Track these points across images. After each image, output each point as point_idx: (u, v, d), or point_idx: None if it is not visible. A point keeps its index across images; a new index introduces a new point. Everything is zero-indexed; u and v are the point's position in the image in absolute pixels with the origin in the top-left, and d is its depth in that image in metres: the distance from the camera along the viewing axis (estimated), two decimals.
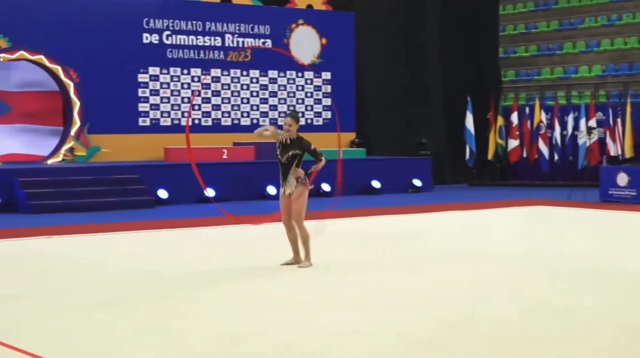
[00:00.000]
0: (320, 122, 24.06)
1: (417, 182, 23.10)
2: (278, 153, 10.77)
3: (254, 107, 23.07)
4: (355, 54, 24.62)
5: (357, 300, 8.64)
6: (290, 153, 10.65)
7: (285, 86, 23.48)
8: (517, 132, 25.78)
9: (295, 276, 10.16)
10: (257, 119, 23.06)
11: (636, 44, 30.02)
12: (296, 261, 10.86)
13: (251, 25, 22.99)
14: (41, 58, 20.02)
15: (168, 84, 21.91)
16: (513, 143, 25.90)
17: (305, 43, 23.79)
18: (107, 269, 10.71)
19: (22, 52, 19.81)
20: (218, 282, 9.75)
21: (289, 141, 10.68)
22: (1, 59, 19.01)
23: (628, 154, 24.60)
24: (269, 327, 7.51)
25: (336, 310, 8.15)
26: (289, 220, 10.75)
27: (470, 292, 9.02)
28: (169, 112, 21.95)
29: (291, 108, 23.37)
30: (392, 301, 8.61)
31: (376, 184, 22.36)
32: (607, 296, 8.87)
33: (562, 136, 25.75)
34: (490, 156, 26.08)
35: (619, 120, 24.75)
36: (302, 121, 23.58)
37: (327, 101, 24.11)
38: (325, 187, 20.86)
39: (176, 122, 22.01)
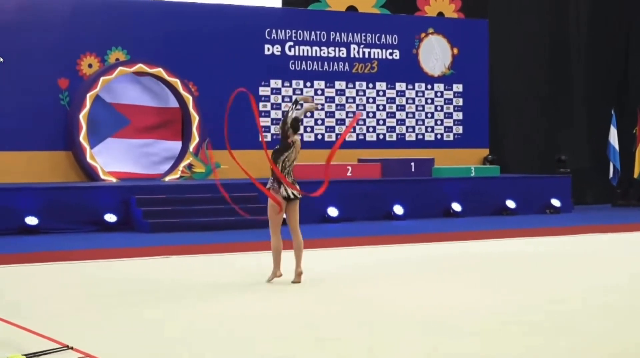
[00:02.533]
0: (451, 138, 23.93)
1: (555, 202, 22.72)
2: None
3: (380, 122, 23.13)
4: (489, 64, 24.43)
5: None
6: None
7: (413, 99, 23.48)
8: None
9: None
10: (384, 134, 23.11)
11: None
12: (275, 274, 11.35)
13: (378, 35, 23.09)
14: (160, 71, 20.51)
15: (290, 97, 22.15)
16: None
17: (435, 53, 23.75)
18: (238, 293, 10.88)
19: (140, 64, 20.34)
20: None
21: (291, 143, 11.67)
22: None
23: None
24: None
25: None
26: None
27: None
28: None
29: (420, 122, 23.37)
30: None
31: (511, 204, 22.08)
32: None
33: None
34: (636, 174, 25.45)
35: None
36: (431, 136, 23.57)
37: (459, 115, 24.00)
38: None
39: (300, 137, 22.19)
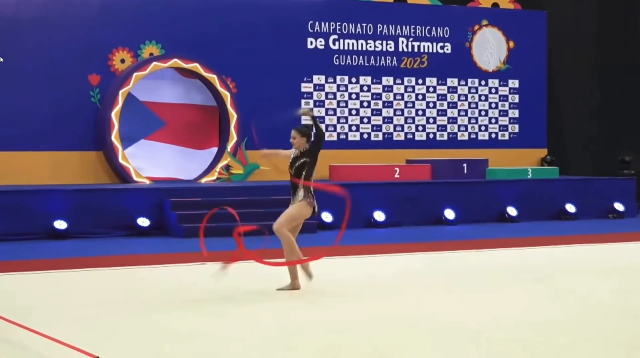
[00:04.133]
0: (506, 137, 23.54)
1: (618, 206, 22.26)
2: (288, 167, 11.20)
3: (430, 120, 22.76)
4: (547, 58, 24.01)
5: None
6: (297, 164, 11.08)
7: (466, 95, 23.09)
8: None
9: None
10: (434, 133, 22.74)
11: None
12: (294, 287, 11.17)
13: (428, 27, 22.73)
14: (196, 66, 20.25)
15: (334, 94, 21.85)
16: None
17: (489, 47, 23.37)
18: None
19: (175, 59, 20.10)
20: None
21: (299, 153, 11.15)
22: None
23: None
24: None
25: None
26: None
27: None
28: (334, 126, 21.89)
29: (473, 120, 23.00)
30: None
31: (570, 208, 21.63)
32: None
33: None
34: None
35: None
36: (485, 136, 23.20)
37: (515, 113, 23.58)
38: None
39: (342, 137, 21.93)
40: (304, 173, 11.00)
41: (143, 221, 17.98)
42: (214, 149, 21.00)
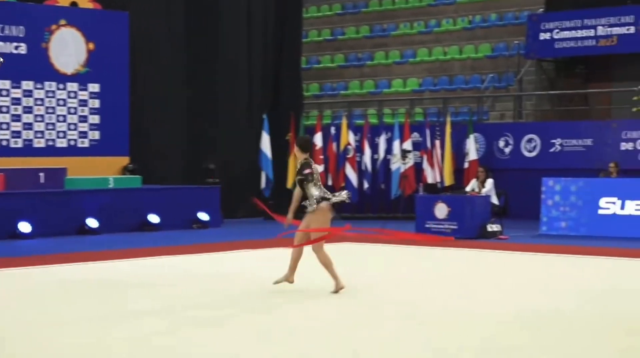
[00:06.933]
0: (87, 144, 23.51)
1: (203, 216, 23.01)
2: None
3: (4, 126, 22.27)
4: (130, 62, 24.24)
5: None
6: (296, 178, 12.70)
7: (43, 99, 22.84)
8: (321, 156, 26.10)
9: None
10: (7, 140, 22.24)
11: (457, 54, 31.13)
12: (288, 280, 12.84)
13: (1, 25, 22.25)
14: None
15: None
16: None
17: (68, 48, 23.27)
18: None
19: None
20: None
21: (298, 166, 12.68)
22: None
23: (447, 181, 25.39)
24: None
25: None
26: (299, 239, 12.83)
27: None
28: None
29: (50, 126, 22.81)
30: None
31: (154, 218, 22.11)
32: None
33: (373, 161, 26.40)
34: (290, 184, 26.29)
35: (437, 142, 25.51)
36: (63, 143, 23.06)
37: (95, 119, 23.62)
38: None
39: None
40: (305, 187, 12.50)
41: None
42: None
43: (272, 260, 16.20)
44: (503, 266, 16.36)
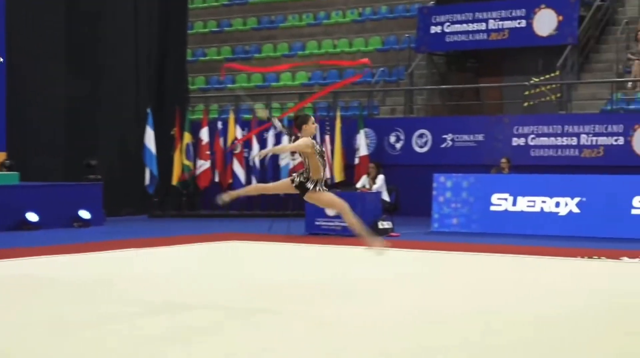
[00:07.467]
0: None
1: (84, 214, 22.49)
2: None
3: None
4: (6, 55, 23.52)
5: None
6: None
7: None
8: (208, 152, 25.85)
9: None
10: None
11: (347, 47, 31.06)
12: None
13: None
14: None
15: None
16: (203, 165, 25.88)
17: None
18: None
19: None
20: None
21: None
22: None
23: (338, 178, 25.25)
24: None
25: None
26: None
27: None
28: None
29: None
30: None
31: (33, 217, 21.52)
32: None
33: None
34: (175, 181, 25.90)
35: (327, 137, 25.32)
36: None
37: None
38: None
39: None
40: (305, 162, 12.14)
41: None
42: None
43: (158, 259, 15.78)
44: (394, 264, 16.14)
